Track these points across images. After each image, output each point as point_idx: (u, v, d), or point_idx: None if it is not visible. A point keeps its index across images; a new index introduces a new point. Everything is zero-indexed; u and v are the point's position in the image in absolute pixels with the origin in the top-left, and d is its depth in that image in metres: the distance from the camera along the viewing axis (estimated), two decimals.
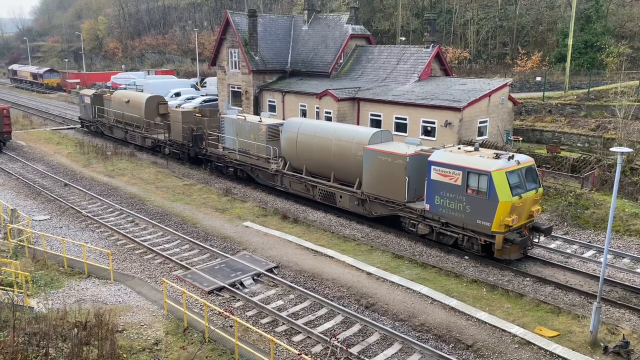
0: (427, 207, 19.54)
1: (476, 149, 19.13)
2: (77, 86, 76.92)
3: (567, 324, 14.60)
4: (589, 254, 19.59)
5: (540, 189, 18.76)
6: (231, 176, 29.92)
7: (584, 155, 27.94)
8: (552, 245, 20.33)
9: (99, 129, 42.96)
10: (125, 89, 57.00)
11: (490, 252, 18.36)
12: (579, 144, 33.55)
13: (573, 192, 23.81)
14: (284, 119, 33.60)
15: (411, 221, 20.62)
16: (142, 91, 53.59)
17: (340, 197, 23.31)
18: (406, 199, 20.39)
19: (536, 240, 19.21)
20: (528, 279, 17.53)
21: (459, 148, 19.82)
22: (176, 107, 39.61)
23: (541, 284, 17.16)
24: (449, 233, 19.34)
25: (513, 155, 18.22)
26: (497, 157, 18.08)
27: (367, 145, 21.57)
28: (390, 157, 20.57)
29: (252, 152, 27.69)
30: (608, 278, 17.06)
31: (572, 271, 18.00)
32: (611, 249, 19.57)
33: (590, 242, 20.57)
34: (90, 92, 44.16)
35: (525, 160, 18.61)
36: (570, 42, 40.20)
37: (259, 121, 27.62)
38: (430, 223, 19.76)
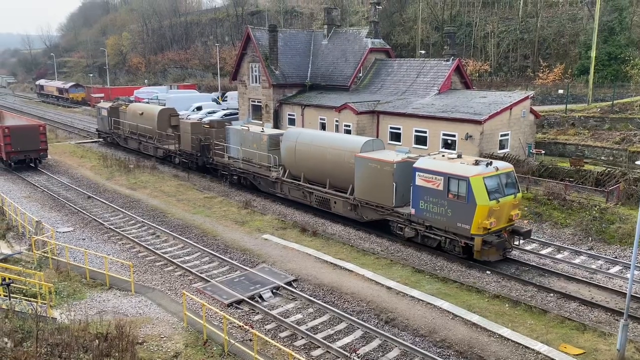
0: (413, 211, 20.52)
1: (459, 156, 20.12)
2: (101, 100, 78.54)
3: (593, 341, 14.22)
4: (615, 269, 19.12)
5: (519, 194, 19.58)
6: (235, 184, 31.16)
7: (609, 169, 27.40)
8: (577, 261, 19.92)
9: (115, 140, 44.51)
10: (148, 103, 57.96)
11: (470, 253, 19.06)
12: (603, 157, 32.94)
13: (598, 207, 23.33)
14: None
15: (399, 225, 21.53)
16: (165, 105, 54.80)
17: (335, 202, 24.40)
18: (394, 203, 21.35)
19: (516, 243, 19.93)
20: (552, 294, 17.17)
21: (443, 155, 20.69)
22: (198, 120, 40.32)
23: (565, 300, 16.79)
24: (432, 236, 20.25)
25: (491, 162, 19.08)
26: (477, 163, 18.97)
27: (358, 153, 22.61)
28: (379, 164, 21.62)
29: (254, 161, 28.90)
30: (635, 295, 16.60)
31: (597, 287, 17.58)
32: (638, 264, 19.07)
33: (616, 257, 20.09)
34: (107, 104, 45.82)
35: (504, 166, 19.41)
36: (593, 54, 39.70)
37: (261, 131, 28.84)
38: (416, 227, 20.66)
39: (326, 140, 25.02)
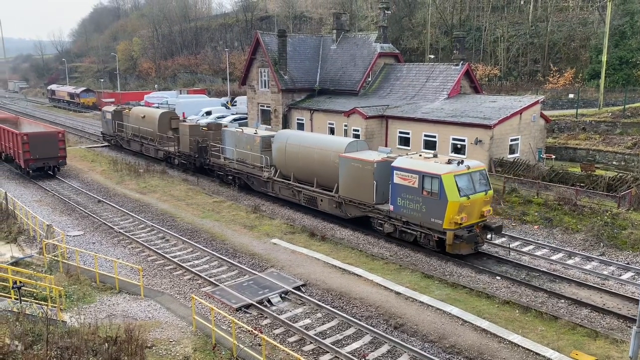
0: (392, 208, 21.55)
1: (434, 156, 21.19)
2: (112, 105, 79.19)
3: (604, 348, 14.06)
4: (627, 275, 18.89)
5: (490, 192, 20.53)
6: (230, 183, 32.10)
7: (621, 174, 27.15)
8: (588, 267, 19.72)
9: (118, 142, 45.76)
10: (158, 107, 58.36)
11: (444, 247, 19.96)
12: (614, 162, 32.67)
13: (609, 212, 23.12)
14: None
15: (379, 221, 22.56)
16: (175, 110, 55.71)
17: (321, 200, 25.44)
18: (375, 201, 22.30)
19: (488, 237, 21.07)
20: (563, 300, 17.00)
21: (420, 155, 21.74)
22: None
23: (577, 307, 16.61)
24: (409, 231, 21.29)
25: (463, 161, 20.17)
26: (449, 162, 19.95)
27: (343, 153, 23.61)
28: (361, 163, 22.67)
29: (248, 162, 29.94)
30: None
31: (609, 293, 17.38)
32: None
33: (628, 263, 19.86)
34: (112, 108, 46.89)
35: (475, 165, 20.43)
36: (604, 58, 39.44)
37: (254, 133, 29.78)
38: (394, 222, 21.73)
39: (313, 141, 26.18)
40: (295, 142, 26.70)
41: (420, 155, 21.58)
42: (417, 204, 20.31)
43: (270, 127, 39.47)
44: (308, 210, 26.76)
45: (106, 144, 48.45)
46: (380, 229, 22.56)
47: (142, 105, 65.00)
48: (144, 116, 40.94)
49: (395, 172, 21.00)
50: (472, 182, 19.76)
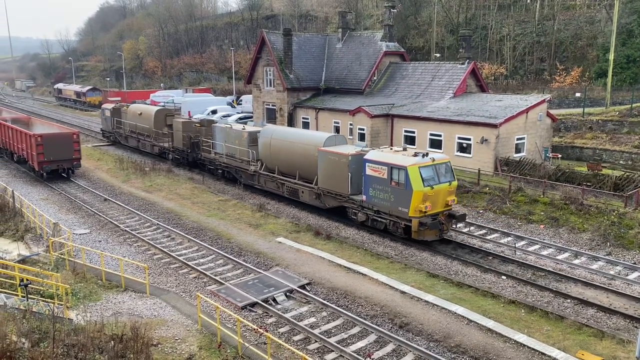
0: (364, 198, 22.93)
1: (404, 149, 22.68)
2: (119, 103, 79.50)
3: (611, 348, 13.99)
4: (634, 275, 18.78)
5: (454, 182, 21.79)
6: (219, 177, 33.56)
7: (628, 173, 26.99)
8: (594, 266, 19.63)
9: (117, 138, 46.94)
10: (164, 106, 58.61)
11: (410, 234, 21.26)
12: (621, 162, 32.48)
13: (616, 211, 22.98)
14: None
15: (353, 210, 23.94)
16: (180, 108, 56.86)
17: (302, 192, 26.74)
18: (350, 192, 23.65)
19: (453, 225, 22.23)
20: (569, 300, 16.92)
21: (391, 149, 23.34)
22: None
23: (583, 306, 16.53)
24: (380, 219, 22.60)
25: (428, 153, 21.62)
26: (415, 155, 21.42)
27: (321, 147, 24.80)
28: (337, 156, 24.00)
29: (236, 156, 31.25)
30: None
31: (616, 293, 17.29)
32: None
33: (635, 263, 19.74)
34: (110, 106, 47.90)
35: (440, 158, 21.90)
36: (611, 57, 39.21)
37: (242, 129, 31.20)
38: (367, 212, 23.08)
39: (295, 136, 27.71)
40: (279, 137, 28.11)
41: (390, 149, 23.13)
42: (387, 193, 21.66)
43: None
44: (313, 209, 26.78)
45: (109, 142, 48.74)
46: (355, 218, 23.94)
47: (148, 104, 65.22)
48: (141, 113, 42.15)
49: (367, 164, 22.34)
50: (437, 174, 21.16)
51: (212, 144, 33.48)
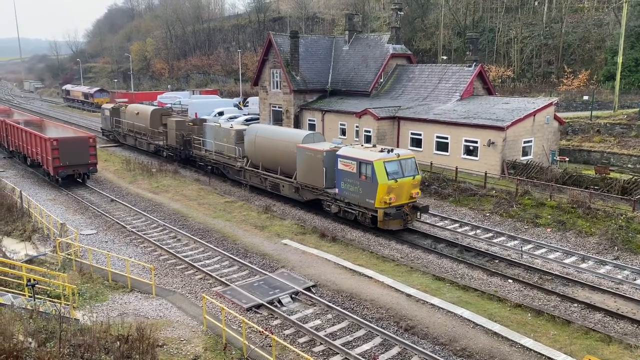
0: (337, 191, 24.52)
1: (374, 146, 24.27)
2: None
3: (618, 353, 13.89)
4: None
5: (418, 176, 23.49)
6: (208, 173, 35.09)
7: (636, 177, 26.80)
8: (602, 271, 19.49)
9: (116, 137, 48.44)
10: (170, 108, 58.93)
11: (376, 223, 22.78)
12: (629, 165, 32.27)
13: (624, 215, 22.83)
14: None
15: (327, 203, 25.51)
16: (187, 110, 57.68)
17: (283, 186, 28.28)
18: (324, 185, 25.13)
19: (417, 216, 23.72)
20: (576, 304, 16.83)
21: (361, 145, 25.11)
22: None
23: (590, 311, 16.43)
24: (350, 211, 24.19)
25: (393, 149, 23.21)
26: (381, 151, 22.99)
27: (300, 144, 26.30)
28: (313, 152, 25.52)
29: (224, 153, 32.87)
30: None
31: (623, 298, 17.17)
32: None
33: None
34: (110, 106, 49.38)
35: (405, 153, 23.48)
36: (620, 60, 38.99)
37: (230, 127, 33.04)
38: (339, 204, 24.69)
39: (277, 134, 29.31)
40: (263, 135, 29.83)
41: (361, 146, 24.89)
42: (356, 186, 23.23)
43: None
44: (319, 212, 26.79)
45: (116, 144, 49.05)
46: (329, 209, 25.56)
47: (156, 105, 65.58)
48: (138, 113, 43.41)
49: (339, 159, 23.85)
50: (401, 168, 22.70)
51: (202, 142, 35.05)
